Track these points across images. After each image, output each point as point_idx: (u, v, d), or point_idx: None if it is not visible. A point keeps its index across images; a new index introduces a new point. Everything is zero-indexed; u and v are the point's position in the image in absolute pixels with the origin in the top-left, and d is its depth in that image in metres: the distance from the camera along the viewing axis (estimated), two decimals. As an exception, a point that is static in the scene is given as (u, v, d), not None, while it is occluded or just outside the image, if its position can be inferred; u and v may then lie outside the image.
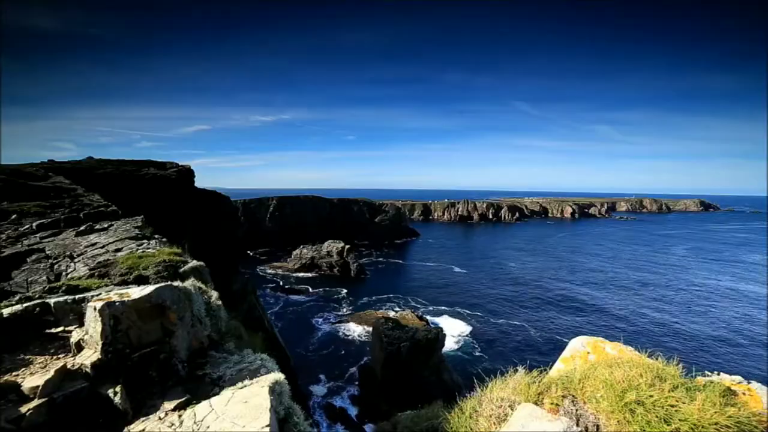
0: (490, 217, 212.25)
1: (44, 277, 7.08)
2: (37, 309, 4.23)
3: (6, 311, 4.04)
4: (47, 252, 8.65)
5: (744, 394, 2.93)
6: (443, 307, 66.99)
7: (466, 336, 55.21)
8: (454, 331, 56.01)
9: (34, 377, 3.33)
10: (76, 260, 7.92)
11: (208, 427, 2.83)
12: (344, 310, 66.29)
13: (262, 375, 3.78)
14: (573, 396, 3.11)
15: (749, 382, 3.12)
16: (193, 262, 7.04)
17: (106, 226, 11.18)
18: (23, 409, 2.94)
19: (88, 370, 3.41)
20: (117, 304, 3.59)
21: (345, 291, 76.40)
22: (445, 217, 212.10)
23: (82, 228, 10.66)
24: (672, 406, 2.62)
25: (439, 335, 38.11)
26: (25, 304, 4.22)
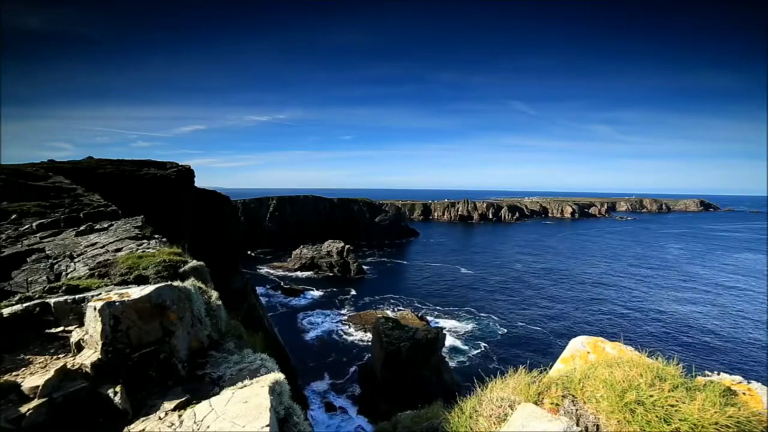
0: (490, 217, 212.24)
1: (44, 277, 7.07)
2: (37, 309, 4.23)
3: (6, 311, 4.05)
4: (47, 252, 8.64)
5: (744, 394, 2.93)
6: (443, 307, 67.01)
7: (466, 336, 55.24)
8: (454, 330, 56.08)
9: (34, 377, 3.33)
10: (76, 260, 7.91)
11: (208, 427, 2.83)
12: (344, 310, 66.29)
13: (262, 375, 3.78)
14: (573, 396, 3.11)
15: (749, 382, 3.11)
16: (193, 262, 7.03)
17: (106, 226, 11.18)
18: (23, 408, 2.94)
19: (88, 370, 3.41)
20: (117, 304, 3.58)
21: (345, 291, 76.43)
22: (445, 217, 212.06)
23: (82, 228, 10.65)
24: (672, 405, 2.62)
25: (439, 335, 38.14)
26: (25, 304, 4.22)
